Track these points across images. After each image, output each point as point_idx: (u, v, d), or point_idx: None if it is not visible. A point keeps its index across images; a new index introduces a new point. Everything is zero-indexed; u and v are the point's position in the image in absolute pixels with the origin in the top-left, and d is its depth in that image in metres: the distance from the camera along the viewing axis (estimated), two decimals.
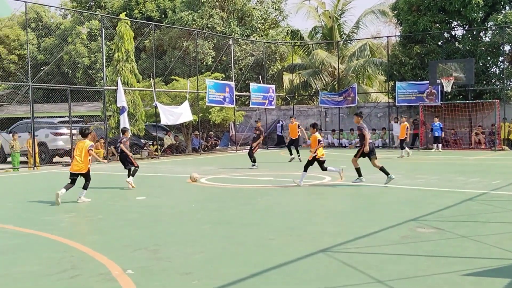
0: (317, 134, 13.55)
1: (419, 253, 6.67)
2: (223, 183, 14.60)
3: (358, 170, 13.44)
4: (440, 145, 26.23)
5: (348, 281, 5.60)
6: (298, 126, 22.07)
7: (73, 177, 11.41)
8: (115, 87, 23.84)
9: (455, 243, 7.16)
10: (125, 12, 31.77)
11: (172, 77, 29.83)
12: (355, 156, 13.40)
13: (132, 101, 25.05)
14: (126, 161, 13.90)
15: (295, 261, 6.39)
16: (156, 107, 25.13)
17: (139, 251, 7.01)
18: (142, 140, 27.78)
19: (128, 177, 13.67)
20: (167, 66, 32.70)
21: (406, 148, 22.65)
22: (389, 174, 13.09)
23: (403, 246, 7.05)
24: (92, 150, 11.40)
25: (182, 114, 25.74)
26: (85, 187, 11.47)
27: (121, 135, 15.08)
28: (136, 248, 7.14)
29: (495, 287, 5.28)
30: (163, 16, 38.00)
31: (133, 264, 6.32)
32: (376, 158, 13.34)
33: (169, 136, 28.47)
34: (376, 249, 6.97)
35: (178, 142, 28.74)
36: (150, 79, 26.39)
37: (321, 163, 13.50)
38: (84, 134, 11.62)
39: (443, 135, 26.97)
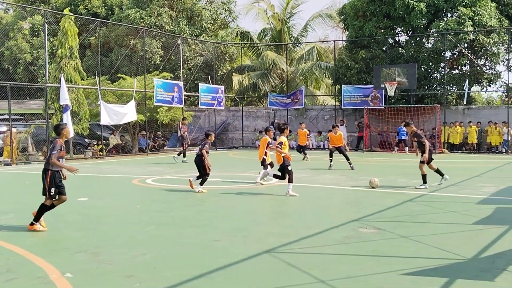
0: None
1: (361, 253, 6.80)
2: (169, 183, 14.43)
3: (424, 177, 13.10)
4: (407, 148, 26.89)
5: (291, 282, 5.64)
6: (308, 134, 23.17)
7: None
8: (58, 85, 23.18)
9: (395, 243, 7.33)
10: (69, 8, 30.91)
11: (119, 75, 29.29)
12: (421, 162, 13.24)
13: (76, 99, 24.41)
14: (202, 167, 12.60)
15: (239, 262, 6.39)
16: (100, 105, 24.59)
17: (80, 253, 6.84)
18: (86, 140, 27.14)
19: (201, 185, 12.55)
20: (114, 64, 32.09)
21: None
22: (443, 175, 13.46)
23: (346, 246, 7.17)
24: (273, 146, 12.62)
25: (127, 114, 25.28)
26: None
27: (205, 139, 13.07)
28: (76, 251, 6.96)
29: (432, 286, 5.44)
30: (109, 13, 37.26)
31: (72, 268, 6.15)
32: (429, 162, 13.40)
33: (114, 135, 27.93)
34: (320, 249, 7.06)
35: (124, 142, 28.25)
36: (95, 77, 25.83)
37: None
38: (280, 129, 12.44)
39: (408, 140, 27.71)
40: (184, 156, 21.57)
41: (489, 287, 5.45)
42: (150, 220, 9.26)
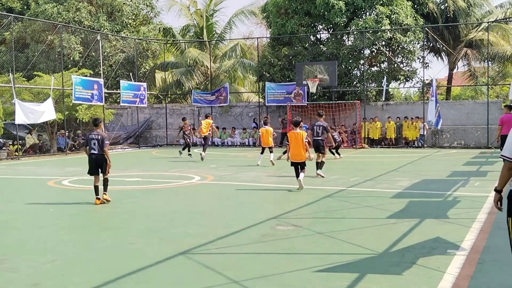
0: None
1: (276, 251, 6.83)
2: (87, 185, 13.94)
3: None
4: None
5: (204, 284, 5.56)
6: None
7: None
8: None
9: (311, 239, 7.42)
10: None
11: (35, 72, 28.05)
12: None
13: None
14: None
15: (153, 265, 6.25)
16: (14, 104, 23.43)
17: None
18: (0, 140, 25.83)
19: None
20: (29, 60, 30.69)
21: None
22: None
23: (262, 245, 7.18)
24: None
25: (44, 112, 24.22)
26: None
27: None
28: None
29: (342, 282, 5.53)
30: (25, 7, 35.64)
31: None
32: None
33: (31, 135, 26.75)
34: (236, 248, 7.03)
35: (41, 141, 27.10)
36: (9, 74, 24.59)
37: None
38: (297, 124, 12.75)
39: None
40: (189, 150, 22.51)
41: (397, 280, 5.61)
42: (62, 223, 8.91)
